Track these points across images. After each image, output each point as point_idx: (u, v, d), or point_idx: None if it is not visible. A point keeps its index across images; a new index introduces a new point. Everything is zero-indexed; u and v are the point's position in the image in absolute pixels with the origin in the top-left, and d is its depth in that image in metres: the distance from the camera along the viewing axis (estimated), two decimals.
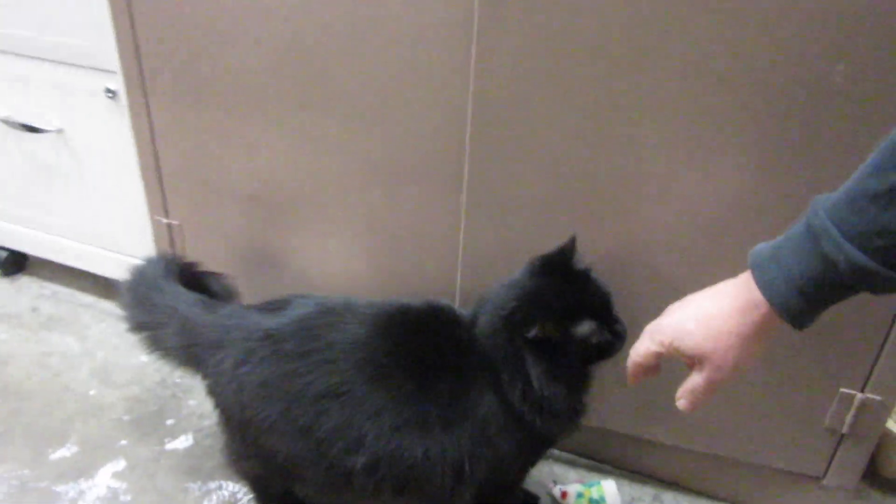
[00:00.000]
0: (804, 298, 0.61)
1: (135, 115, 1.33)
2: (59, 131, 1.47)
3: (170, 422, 1.38)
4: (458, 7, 0.99)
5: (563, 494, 1.22)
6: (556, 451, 1.33)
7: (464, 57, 1.02)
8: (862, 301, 0.62)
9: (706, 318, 0.68)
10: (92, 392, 1.44)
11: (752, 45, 0.89)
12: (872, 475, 1.31)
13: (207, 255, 1.44)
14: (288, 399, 0.92)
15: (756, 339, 0.66)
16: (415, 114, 1.11)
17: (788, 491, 1.21)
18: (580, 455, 1.33)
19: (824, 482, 1.16)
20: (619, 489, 1.22)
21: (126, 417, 1.38)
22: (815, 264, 0.59)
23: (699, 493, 1.28)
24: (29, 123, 1.48)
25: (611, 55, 0.94)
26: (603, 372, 1.01)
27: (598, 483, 1.22)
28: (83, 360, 1.53)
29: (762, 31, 0.87)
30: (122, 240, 1.56)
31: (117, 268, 1.60)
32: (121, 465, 1.28)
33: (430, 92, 1.08)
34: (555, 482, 1.26)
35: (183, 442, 1.34)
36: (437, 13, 1.02)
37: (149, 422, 1.38)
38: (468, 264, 1.18)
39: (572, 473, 1.30)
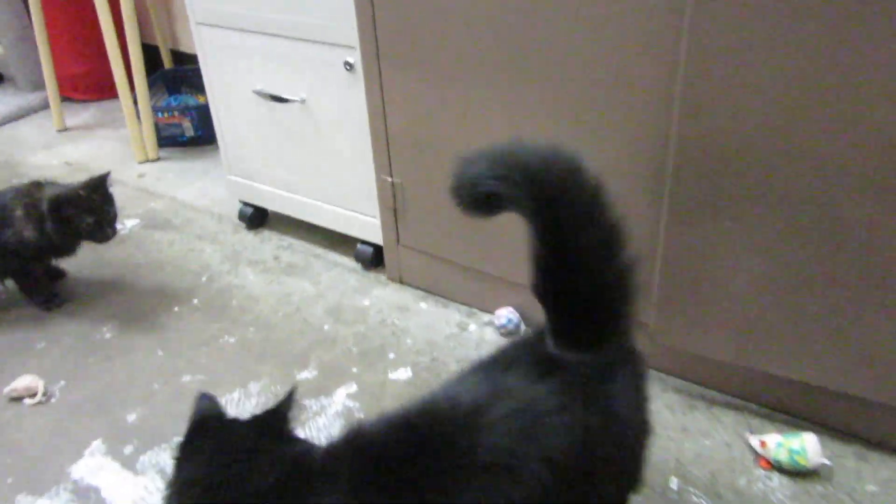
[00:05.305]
0: None
1: (369, 85, 1.52)
2: (303, 101, 1.69)
3: (391, 356, 1.57)
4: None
5: (762, 444, 1.25)
6: (751, 404, 1.36)
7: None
8: None
9: None
10: (326, 327, 1.67)
11: None
12: None
13: (423, 210, 1.61)
14: None
15: None
16: (615, 94, 1.18)
17: None
18: (776, 410, 1.35)
19: None
20: (820, 444, 1.23)
21: (355, 349, 1.60)
22: None
23: None
24: (278, 94, 1.72)
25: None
26: (812, 318, 1.02)
27: (800, 434, 1.23)
28: (317, 300, 1.77)
29: None
30: (351, 198, 1.77)
31: (344, 223, 1.83)
32: (353, 388, 1.49)
33: (630, 69, 1.15)
34: (752, 432, 1.29)
35: (403, 374, 1.52)
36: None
37: (374, 354, 1.58)
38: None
39: (769, 426, 1.32)
